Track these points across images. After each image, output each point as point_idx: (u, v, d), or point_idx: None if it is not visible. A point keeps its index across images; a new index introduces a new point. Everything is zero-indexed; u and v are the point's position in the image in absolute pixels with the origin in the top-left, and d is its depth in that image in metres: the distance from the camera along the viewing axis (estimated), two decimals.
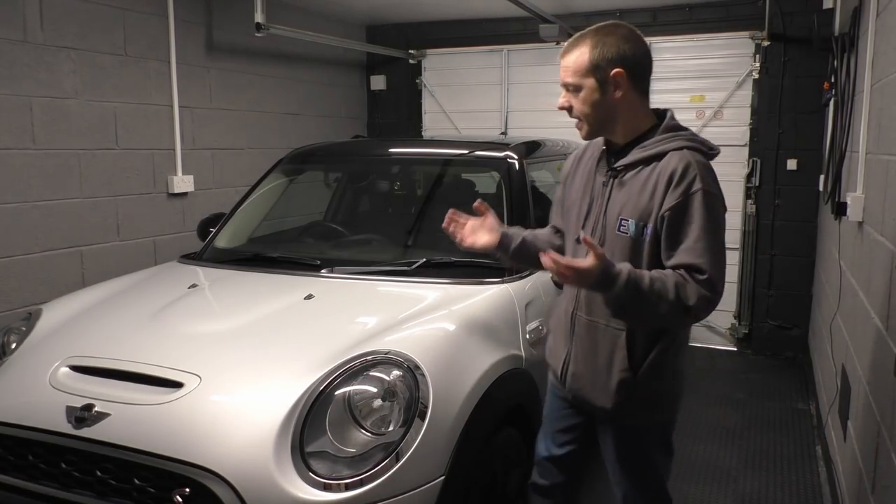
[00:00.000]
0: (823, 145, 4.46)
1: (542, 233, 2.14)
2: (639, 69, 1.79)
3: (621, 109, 1.79)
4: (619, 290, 1.64)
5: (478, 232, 2.08)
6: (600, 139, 1.92)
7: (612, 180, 1.83)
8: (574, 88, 1.79)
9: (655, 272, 1.69)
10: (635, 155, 1.78)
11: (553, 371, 2.02)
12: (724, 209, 1.74)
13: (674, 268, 1.68)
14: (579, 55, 1.77)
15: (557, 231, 2.10)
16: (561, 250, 2.01)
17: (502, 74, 5.73)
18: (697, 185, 1.67)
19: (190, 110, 4.26)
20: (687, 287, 1.64)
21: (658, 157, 1.75)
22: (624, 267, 1.67)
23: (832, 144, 3.67)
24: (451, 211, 2.11)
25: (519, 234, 2.08)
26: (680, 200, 1.67)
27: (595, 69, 1.76)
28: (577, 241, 1.86)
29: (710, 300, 1.66)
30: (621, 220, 1.77)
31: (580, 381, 1.90)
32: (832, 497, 2.94)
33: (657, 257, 1.74)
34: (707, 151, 1.77)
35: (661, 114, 1.86)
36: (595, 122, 1.82)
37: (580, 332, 1.89)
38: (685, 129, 1.81)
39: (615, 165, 1.83)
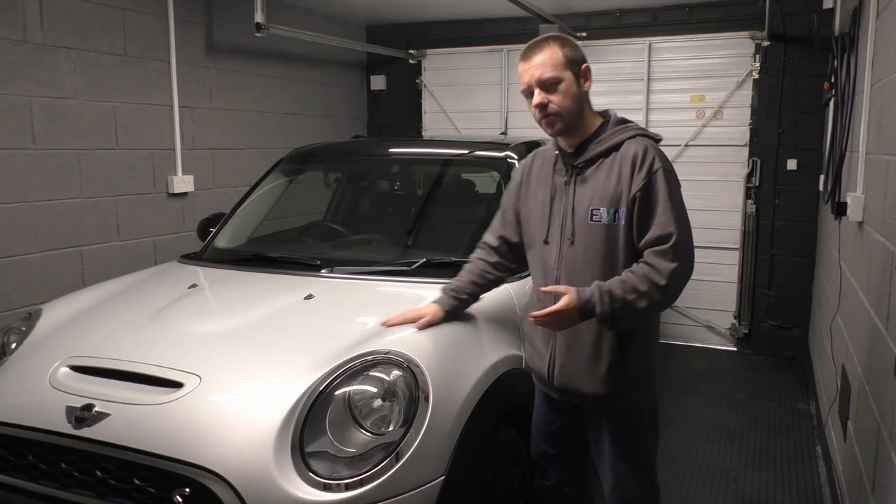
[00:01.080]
0: (823, 145, 4.46)
1: (480, 265, 2.20)
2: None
3: (586, 103, 1.93)
4: (601, 308, 1.78)
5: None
6: (549, 148, 2.04)
7: (574, 178, 1.92)
8: (553, 82, 1.87)
9: (624, 273, 1.82)
10: (593, 150, 1.91)
11: (538, 374, 2.09)
12: (679, 185, 1.89)
13: (645, 246, 1.81)
14: (552, 52, 1.88)
15: (502, 240, 2.17)
16: (512, 255, 2.18)
17: (502, 74, 5.73)
18: (658, 165, 1.83)
19: (190, 110, 4.26)
20: (654, 271, 1.78)
21: (616, 147, 1.88)
22: (592, 286, 1.81)
23: (832, 144, 3.67)
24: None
25: (461, 290, 2.18)
26: (646, 181, 1.81)
27: (570, 62, 1.88)
28: (546, 241, 1.98)
29: (677, 270, 1.78)
30: (592, 209, 1.87)
31: (568, 373, 1.98)
32: (832, 497, 2.95)
33: (631, 238, 1.85)
34: (654, 137, 1.93)
35: (602, 113, 1.99)
36: (572, 115, 1.90)
37: None
38: (631, 121, 1.96)
39: (576, 163, 1.92)
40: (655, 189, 1.81)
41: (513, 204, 2.14)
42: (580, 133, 1.93)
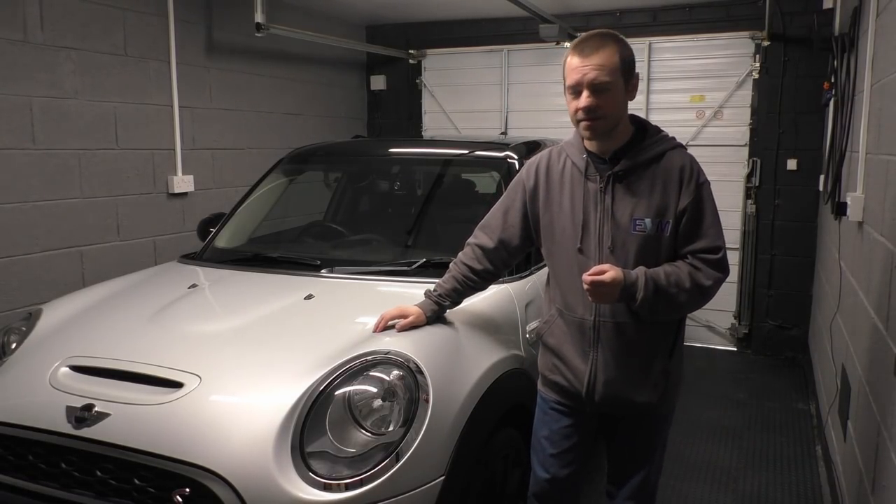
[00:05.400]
0: (823, 145, 4.46)
1: (465, 271, 2.14)
2: None
3: (626, 112, 1.89)
4: (643, 294, 1.77)
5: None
6: (568, 150, 1.97)
7: (611, 186, 1.87)
8: (605, 87, 1.78)
9: (667, 266, 1.82)
10: (635, 159, 1.86)
11: (562, 388, 1.99)
12: None
13: (691, 252, 1.83)
14: (611, 54, 1.78)
15: (501, 244, 2.10)
16: (507, 259, 2.15)
17: (502, 74, 5.73)
18: (702, 178, 1.87)
19: (190, 110, 4.26)
20: (700, 273, 1.82)
21: (657, 157, 1.86)
22: (638, 271, 1.79)
23: (832, 144, 3.67)
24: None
25: (445, 297, 2.15)
26: (695, 194, 1.84)
27: (625, 70, 1.81)
28: (580, 251, 1.90)
29: (721, 279, 1.86)
30: (636, 220, 1.84)
31: (616, 386, 1.91)
32: (832, 497, 2.94)
33: (672, 247, 1.86)
34: (685, 147, 1.96)
35: (630, 119, 1.94)
36: (614, 122, 1.85)
37: (607, 336, 1.90)
38: (663, 129, 1.96)
39: (616, 171, 1.86)
40: (703, 202, 1.85)
41: (523, 207, 2.05)
42: (615, 139, 1.87)
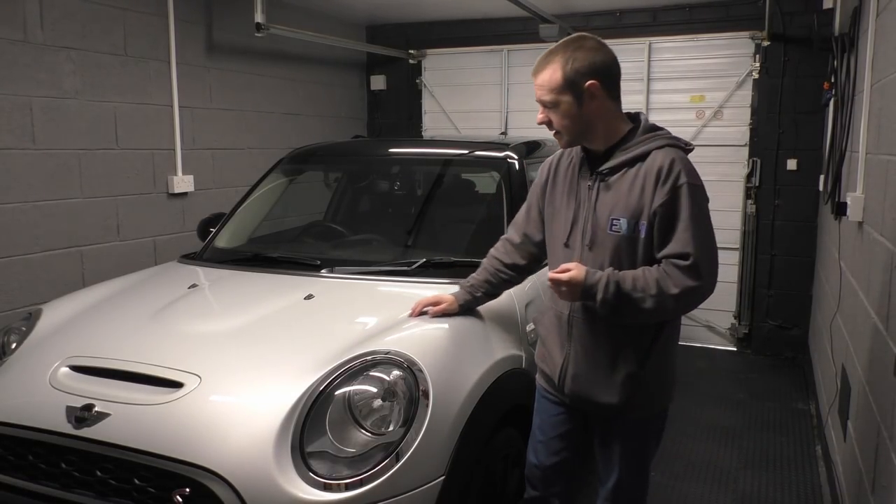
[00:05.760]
0: (823, 145, 4.46)
1: (495, 264, 2.21)
2: (610, 78, 1.86)
3: (598, 118, 1.86)
4: (602, 296, 1.76)
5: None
6: (577, 147, 1.99)
7: (597, 184, 1.89)
8: (551, 105, 1.85)
9: (638, 270, 1.79)
10: (619, 158, 1.86)
11: (548, 377, 2.06)
12: (707, 200, 1.84)
13: (664, 257, 1.77)
14: (552, 73, 1.83)
15: (526, 238, 2.16)
16: (535, 252, 2.17)
17: (502, 74, 5.73)
18: (683, 179, 1.77)
19: (190, 110, 4.26)
20: (669, 280, 1.75)
21: (642, 157, 1.84)
22: (603, 272, 1.78)
23: (832, 144, 3.67)
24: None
25: (477, 288, 2.23)
26: (669, 196, 1.77)
27: (570, 84, 1.81)
28: (566, 245, 1.94)
29: (696, 288, 1.74)
30: (612, 219, 1.84)
31: (581, 382, 1.94)
32: (832, 497, 2.95)
33: (650, 249, 1.82)
34: (685, 147, 1.88)
35: (633, 117, 1.93)
36: (575, 132, 1.88)
37: (579, 333, 1.93)
38: (661, 128, 1.91)
39: (600, 169, 1.88)
40: (678, 204, 1.76)
41: (538, 202, 2.11)
42: (604, 140, 1.88)
